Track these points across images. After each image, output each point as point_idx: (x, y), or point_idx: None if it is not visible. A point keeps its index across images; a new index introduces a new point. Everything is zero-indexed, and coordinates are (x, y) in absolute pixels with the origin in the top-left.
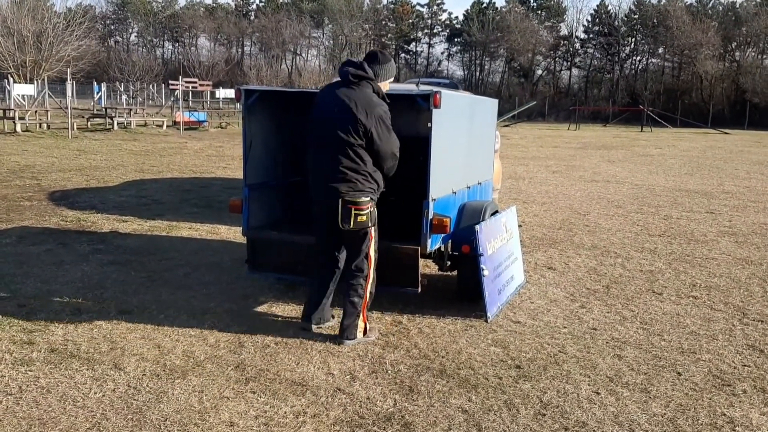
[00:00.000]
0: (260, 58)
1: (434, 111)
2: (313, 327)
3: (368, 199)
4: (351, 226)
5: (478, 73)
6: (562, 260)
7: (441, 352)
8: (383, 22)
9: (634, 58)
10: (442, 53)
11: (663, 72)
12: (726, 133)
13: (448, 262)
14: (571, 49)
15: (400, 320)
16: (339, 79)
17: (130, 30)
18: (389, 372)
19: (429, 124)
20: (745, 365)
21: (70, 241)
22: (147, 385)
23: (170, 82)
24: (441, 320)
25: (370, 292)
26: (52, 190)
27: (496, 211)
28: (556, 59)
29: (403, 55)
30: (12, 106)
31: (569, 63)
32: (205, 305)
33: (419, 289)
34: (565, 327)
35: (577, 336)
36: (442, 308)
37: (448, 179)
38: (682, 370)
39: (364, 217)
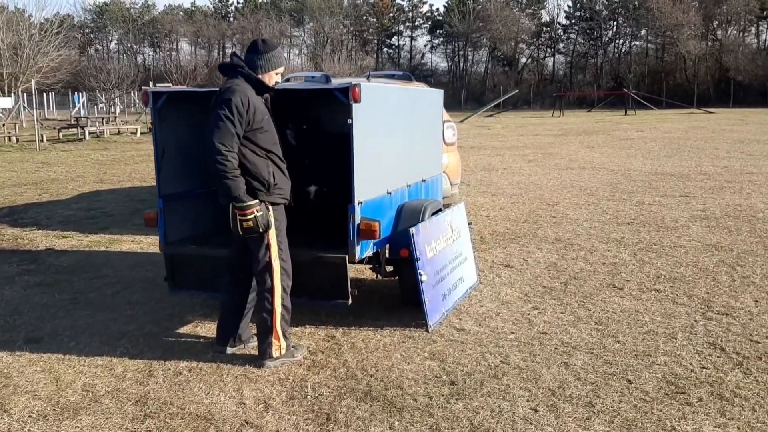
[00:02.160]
0: None
1: (354, 106)
2: (228, 350)
3: (254, 201)
4: (241, 233)
5: (462, 64)
6: (521, 256)
7: (370, 371)
8: (364, 18)
9: (617, 41)
10: (425, 46)
11: (646, 54)
12: (710, 113)
13: (388, 268)
14: (554, 35)
15: (333, 334)
16: None
17: (110, 38)
18: (309, 397)
19: (349, 121)
20: (703, 367)
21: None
22: (29, 430)
23: (143, 87)
24: (378, 332)
25: (283, 306)
26: None
27: (439, 210)
28: (540, 46)
29: (385, 49)
30: None
31: (552, 50)
32: (124, 328)
33: (349, 302)
34: (512, 333)
35: (524, 342)
36: (383, 318)
37: (379, 179)
38: (633, 377)
39: (250, 222)
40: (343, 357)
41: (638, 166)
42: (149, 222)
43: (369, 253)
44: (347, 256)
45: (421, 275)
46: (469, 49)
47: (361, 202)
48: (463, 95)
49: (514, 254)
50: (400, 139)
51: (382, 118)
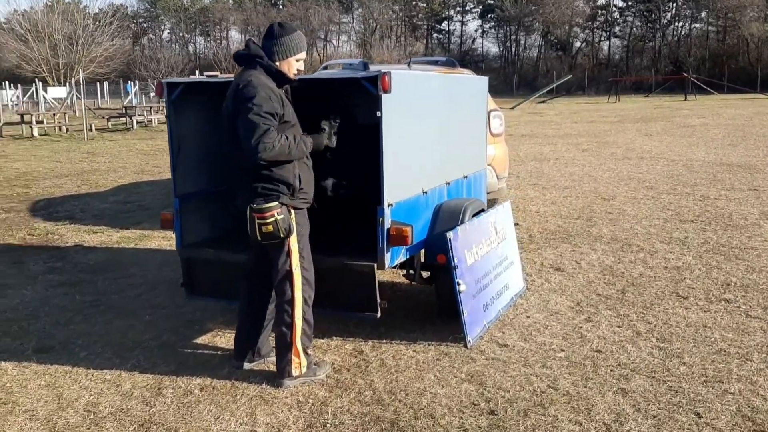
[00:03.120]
0: None
1: (383, 96)
2: (246, 365)
3: (274, 204)
4: (259, 239)
5: (513, 49)
6: (573, 258)
7: (399, 395)
8: (413, 3)
9: (676, 24)
10: (476, 30)
11: (707, 37)
12: None
13: (424, 274)
14: (610, 18)
15: (362, 349)
16: None
17: (162, 27)
18: (328, 426)
19: (378, 114)
20: None
21: (26, 259)
22: None
23: (190, 76)
24: (411, 347)
25: (304, 320)
26: (37, 199)
27: (482, 210)
28: (595, 30)
29: (435, 35)
30: (43, 110)
31: (608, 33)
32: (139, 337)
33: (378, 314)
34: (562, 350)
35: (576, 363)
36: (417, 330)
37: (413, 177)
38: (702, 410)
39: (270, 227)
40: (371, 377)
41: (701, 155)
42: (165, 223)
43: (401, 259)
44: (376, 264)
45: (459, 285)
46: (522, 34)
47: (392, 204)
48: (515, 81)
49: (565, 256)
50: (438, 131)
51: (416, 110)
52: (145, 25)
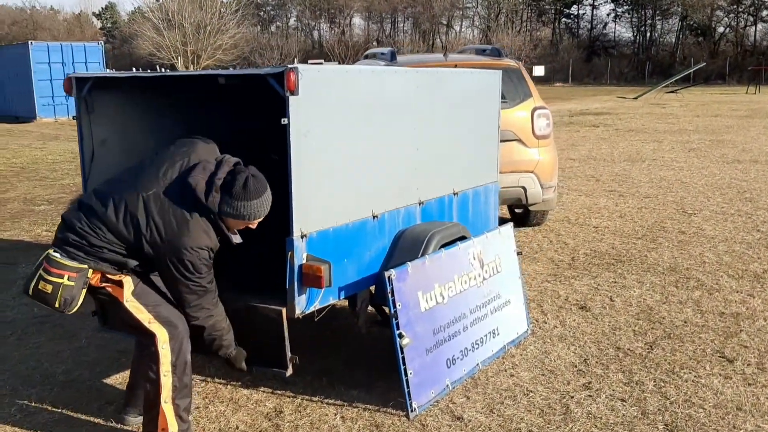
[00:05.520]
0: (410, 35)
1: (291, 99)
2: (131, 420)
3: (75, 265)
4: (29, 293)
5: (649, 34)
6: (609, 293)
7: None
8: None
9: None
10: (608, 15)
11: None
12: None
13: (376, 317)
14: (757, 1)
15: (282, 408)
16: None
17: (289, 15)
18: None
19: (283, 121)
20: None
21: (21, 260)
22: None
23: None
24: (341, 411)
25: (174, 375)
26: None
27: (462, 237)
28: (740, 14)
29: (563, 19)
30: None
31: (755, 17)
32: (53, 369)
33: (288, 372)
34: None
35: None
36: (363, 385)
37: (356, 198)
38: None
39: (49, 287)
40: None
41: None
42: None
43: (324, 303)
44: (285, 309)
45: (401, 337)
46: (658, 18)
47: (306, 235)
48: (648, 68)
49: (601, 289)
50: (405, 139)
51: (359, 113)
52: (272, 13)
